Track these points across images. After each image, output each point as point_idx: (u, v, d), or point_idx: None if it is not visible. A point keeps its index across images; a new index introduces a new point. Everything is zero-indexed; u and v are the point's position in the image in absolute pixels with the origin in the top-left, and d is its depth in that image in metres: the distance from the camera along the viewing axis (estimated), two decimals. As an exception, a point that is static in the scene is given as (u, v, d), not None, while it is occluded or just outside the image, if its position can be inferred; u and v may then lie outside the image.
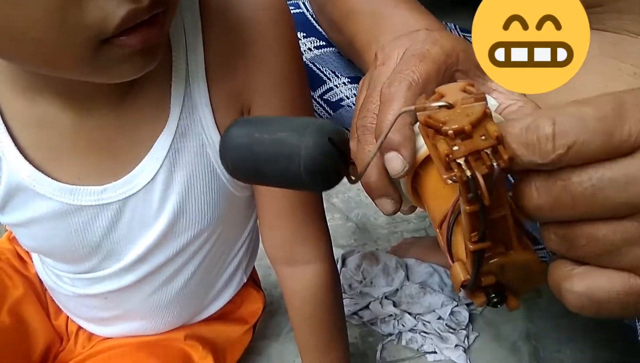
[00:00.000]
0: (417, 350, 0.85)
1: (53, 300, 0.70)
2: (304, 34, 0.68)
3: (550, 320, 0.90)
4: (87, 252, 0.56)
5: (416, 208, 0.37)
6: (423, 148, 0.30)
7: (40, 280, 0.69)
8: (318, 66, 0.68)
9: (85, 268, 0.59)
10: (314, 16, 0.68)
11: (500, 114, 0.34)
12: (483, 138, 0.23)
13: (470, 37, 0.85)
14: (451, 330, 0.87)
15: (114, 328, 0.68)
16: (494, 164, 0.23)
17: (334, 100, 0.69)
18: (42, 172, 0.49)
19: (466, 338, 0.86)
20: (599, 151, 0.22)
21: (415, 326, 0.88)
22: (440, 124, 0.25)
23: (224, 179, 0.55)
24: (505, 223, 0.25)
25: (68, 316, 0.70)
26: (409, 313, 0.89)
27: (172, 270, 0.61)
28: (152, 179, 0.51)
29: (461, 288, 0.27)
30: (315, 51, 0.68)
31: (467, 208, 0.24)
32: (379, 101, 0.34)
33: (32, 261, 0.69)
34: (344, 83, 0.68)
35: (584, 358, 0.83)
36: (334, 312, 0.65)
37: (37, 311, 0.68)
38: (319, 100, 0.69)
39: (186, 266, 0.62)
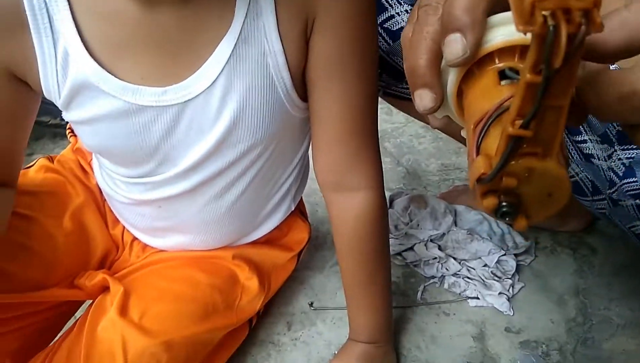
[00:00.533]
0: (459, 294, 0.85)
1: (111, 211, 0.73)
2: None
3: (602, 277, 0.87)
4: (146, 154, 0.58)
5: (447, 123, 0.33)
6: (488, 43, 0.28)
7: (100, 190, 0.72)
8: None
9: (142, 172, 0.61)
10: None
11: None
12: None
13: None
14: (496, 278, 0.85)
15: (166, 240, 0.71)
16: (583, 25, 0.20)
17: (394, 29, 0.67)
18: (107, 70, 0.51)
19: (511, 287, 0.85)
20: None
21: (459, 271, 0.87)
22: None
23: (281, 94, 0.55)
24: (557, 121, 0.22)
25: (124, 227, 0.74)
26: (454, 258, 0.88)
27: (225, 183, 0.62)
28: (212, 84, 0.52)
29: (476, 183, 0.24)
30: None
31: (530, 76, 0.21)
32: None
33: (93, 172, 0.73)
34: (405, 11, 0.66)
35: (633, 317, 0.80)
36: (379, 243, 0.65)
37: (96, 219, 0.71)
38: (379, 28, 0.67)
39: (239, 181, 0.63)
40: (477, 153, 0.25)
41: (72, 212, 0.69)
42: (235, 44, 0.51)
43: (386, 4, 0.66)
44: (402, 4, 0.65)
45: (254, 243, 0.75)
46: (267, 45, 0.52)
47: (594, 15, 0.20)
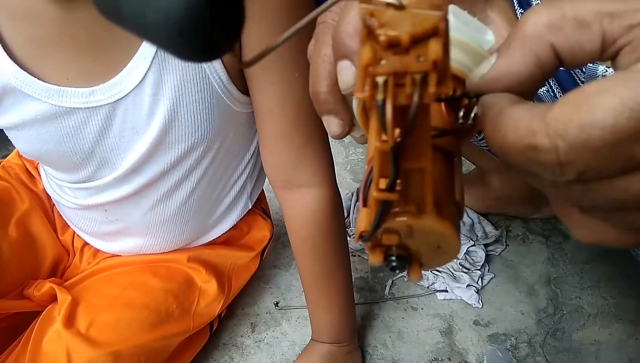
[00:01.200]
0: (427, 287, 0.83)
1: (60, 215, 0.71)
2: None
3: (575, 265, 0.85)
4: (81, 159, 0.55)
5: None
6: None
7: (47, 195, 0.70)
8: None
9: (83, 177, 0.58)
10: None
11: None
12: (421, 58, 0.18)
13: None
14: (465, 270, 0.83)
15: (117, 244, 0.69)
16: (415, 96, 0.18)
17: None
18: (29, 72, 0.48)
19: (480, 279, 0.83)
20: (618, 171, 0.18)
21: (428, 264, 0.85)
22: (379, 25, 0.19)
23: (217, 88, 0.53)
24: (422, 181, 0.21)
25: (74, 232, 0.72)
26: (423, 251, 0.86)
27: (171, 184, 0.60)
28: (140, 81, 0.49)
29: (360, 239, 0.22)
30: None
31: (378, 144, 0.19)
32: None
33: (40, 176, 0.70)
34: None
35: (605, 305, 0.78)
36: (334, 239, 0.63)
37: (44, 226, 0.69)
38: None
39: (185, 182, 0.61)
40: (364, 201, 0.23)
41: (18, 219, 0.67)
42: None
43: None
44: None
45: (211, 244, 0.73)
46: None
47: (429, 83, 0.18)
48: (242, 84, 0.55)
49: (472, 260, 0.84)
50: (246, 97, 0.56)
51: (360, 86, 0.19)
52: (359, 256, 0.88)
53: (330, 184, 0.60)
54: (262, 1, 0.49)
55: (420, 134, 0.19)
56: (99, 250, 0.71)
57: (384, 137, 0.19)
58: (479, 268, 0.83)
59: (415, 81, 0.18)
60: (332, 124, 0.28)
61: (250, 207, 0.73)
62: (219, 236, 0.72)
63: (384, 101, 0.18)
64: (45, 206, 0.71)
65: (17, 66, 0.48)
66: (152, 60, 0.49)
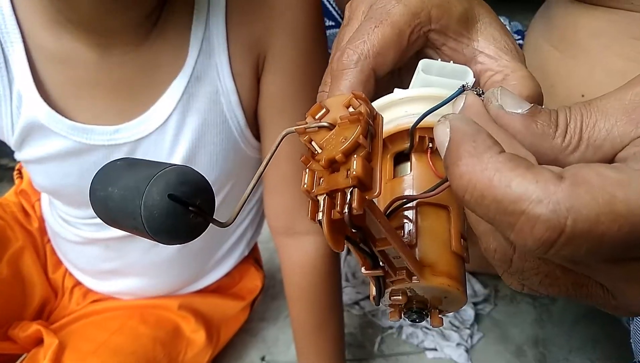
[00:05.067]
0: (417, 345, 0.82)
1: (53, 253, 0.71)
2: None
3: (562, 326, 0.86)
4: None
5: None
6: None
7: (40, 233, 0.70)
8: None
9: (93, 214, 0.59)
10: None
11: (482, 86, 0.28)
12: (348, 172, 0.20)
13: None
14: (454, 328, 0.83)
15: (111, 283, 0.68)
16: (345, 211, 0.20)
17: None
18: (58, 111, 0.50)
19: (469, 338, 0.83)
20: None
21: (417, 321, 0.85)
22: (316, 150, 0.22)
23: (235, 133, 0.55)
24: (399, 254, 0.23)
25: (66, 271, 0.71)
26: (412, 308, 0.86)
27: None
28: (164, 122, 0.51)
29: (373, 303, 0.25)
30: (326, 31, 0.67)
31: (345, 242, 0.22)
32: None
33: (36, 214, 0.70)
34: None
35: (592, 368, 0.79)
36: (330, 289, 0.64)
37: (34, 265, 0.68)
38: None
39: None
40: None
41: (10, 257, 0.66)
42: (188, 82, 0.51)
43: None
44: None
45: (203, 291, 0.73)
46: (219, 84, 0.52)
47: (354, 198, 0.20)
48: (256, 129, 0.58)
49: (462, 318, 0.84)
50: (258, 142, 0.59)
51: (312, 207, 0.22)
52: (348, 310, 0.88)
53: None
54: (279, 49, 0.52)
55: (374, 224, 0.21)
56: (89, 290, 0.70)
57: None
58: (468, 326, 0.84)
59: (345, 194, 0.20)
60: None
61: (247, 254, 0.73)
62: (211, 284, 0.72)
63: (320, 221, 0.21)
64: (37, 245, 0.71)
65: (47, 106, 0.50)
66: (177, 103, 0.51)
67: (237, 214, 0.23)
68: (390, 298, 0.25)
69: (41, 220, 0.71)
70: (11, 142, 0.54)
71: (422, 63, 0.28)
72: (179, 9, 0.49)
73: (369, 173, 0.21)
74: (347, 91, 0.26)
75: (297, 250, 0.61)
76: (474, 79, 0.28)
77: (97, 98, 0.51)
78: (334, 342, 0.66)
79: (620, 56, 0.51)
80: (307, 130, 0.23)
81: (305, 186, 0.22)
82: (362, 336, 0.85)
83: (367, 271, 0.23)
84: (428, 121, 0.24)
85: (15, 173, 0.78)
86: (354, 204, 0.20)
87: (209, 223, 0.23)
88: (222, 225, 0.23)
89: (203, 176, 0.22)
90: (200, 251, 0.67)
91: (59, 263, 0.71)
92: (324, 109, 0.23)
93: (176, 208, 0.22)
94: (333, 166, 0.21)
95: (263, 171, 0.24)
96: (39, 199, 0.72)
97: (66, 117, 0.51)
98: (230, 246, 0.70)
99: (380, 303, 0.25)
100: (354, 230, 0.21)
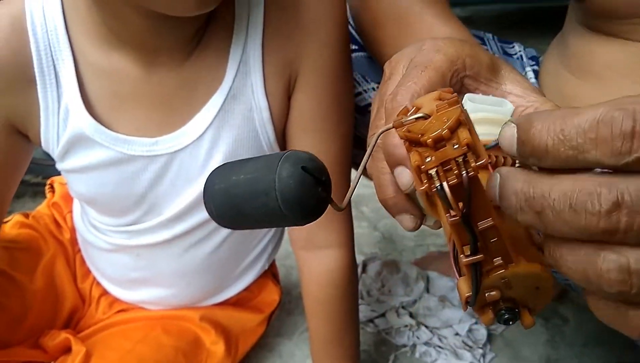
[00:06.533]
0: (430, 363, 0.84)
1: (82, 263, 0.74)
2: None
3: (574, 347, 0.87)
4: (133, 202, 0.60)
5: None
6: None
7: (71, 244, 0.73)
8: None
9: (128, 221, 0.62)
10: (349, 21, 0.71)
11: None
12: (456, 146, 0.23)
13: (510, 47, 0.83)
14: (467, 348, 0.85)
15: (138, 292, 0.71)
16: (463, 173, 0.22)
17: (362, 105, 0.70)
18: (102, 123, 0.54)
19: (482, 358, 0.84)
20: None
21: (430, 339, 0.86)
22: (420, 135, 0.24)
23: (264, 146, 0.58)
24: (498, 235, 0.24)
25: (93, 281, 0.74)
26: (425, 326, 0.88)
27: (204, 234, 0.64)
28: (200, 135, 0.55)
29: (467, 304, 0.25)
30: None
31: (450, 220, 0.23)
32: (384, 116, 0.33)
33: (67, 226, 0.74)
34: (372, 88, 0.70)
35: (604, 390, 0.79)
36: (348, 303, 0.66)
37: (65, 273, 0.72)
38: None
39: (217, 232, 0.64)
40: (459, 273, 0.27)
41: (43, 267, 0.69)
42: (225, 100, 0.54)
43: (354, 81, 0.70)
44: (369, 82, 0.69)
45: (223, 304, 0.75)
46: (253, 101, 0.55)
47: (470, 160, 0.22)
48: (283, 144, 0.61)
49: (475, 337, 0.86)
50: None
51: (419, 182, 0.24)
52: (363, 328, 0.90)
53: (349, 247, 0.64)
54: (310, 69, 0.56)
55: (479, 199, 0.23)
56: (115, 300, 0.73)
57: (452, 212, 0.23)
58: (481, 346, 0.85)
59: (459, 163, 0.22)
60: (405, 220, 0.33)
61: (266, 267, 0.76)
62: (232, 296, 0.75)
63: (441, 185, 0.23)
64: (68, 255, 0.74)
65: (92, 118, 0.53)
66: (214, 118, 0.55)
67: (349, 198, 0.26)
68: (485, 296, 0.25)
69: (72, 231, 0.74)
70: (55, 152, 0.57)
71: (468, 96, 0.32)
72: (219, 31, 0.53)
73: (476, 140, 0.23)
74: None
75: (317, 263, 0.64)
76: (514, 107, 0.32)
77: (139, 111, 0.55)
78: (350, 356, 0.68)
79: (637, 84, 0.53)
80: (405, 123, 0.25)
81: (416, 162, 0.23)
82: (376, 353, 0.86)
83: (468, 258, 0.24)
84: (484, 140, 0.27)
85: (47, 187, 0.82)
86: (472, 163, 0.22)
87: (326, 204, 0.25)
88: (338, 208, 0.25)
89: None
90: (226, 262, 0.69)
91: (87, 273, 0.74)
92: (414, 108, 0.26)
93: (309, 179, 0.23)
94: (438, 144, 0.23)
95: (365, 164, 0.27)
96: (70, 211, 0.75)
97: (109, 128, 0.54)
98: (253, 258, 0.73)
99: (467, 309, 0.26)
100: (460, 204, 0.22)
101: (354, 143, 0.75)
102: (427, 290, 0.93)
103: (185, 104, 0.54)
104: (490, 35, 0.73)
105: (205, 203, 0.27)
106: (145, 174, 0.57)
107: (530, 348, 0.87)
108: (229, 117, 0.55)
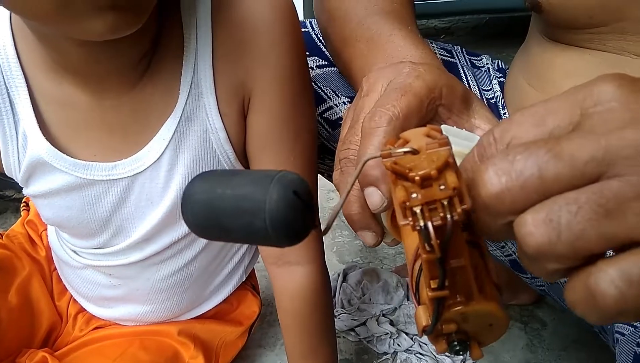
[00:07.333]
0: (411, 370, 0.84)
1: (59, 281, 0.73)
2: (307, 53, 0.71)
3: (552, 351, 0.88)
4: (99, 226, 0.60)
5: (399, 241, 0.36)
6: None
7: (48, 261, 0.73)
8: (319, 84, 0.70)
9: (97, 244, 0.63)
10: (319, 36, 0.71)
11: None
12: (442, 187, 0.24)
13: (478, 60, 0.85)
14: (447, 354, 0.85)
15: (114, 310, 0.71)
16: (448, 216, 0.23)
17: (333, 119, 0.71)
18: (60, 150, 0.54)
19: (462, 363, 0.85)
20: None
21: (411, 346, 0.87)
22: (407, 170, 0.25)
23: (225, 166, 0.59)
24: (466, 273, 0.25)
25: (70, 298, 0.74)
26: (406, 333, 0.88)
27: (176, 251, 0.64)
28: (158, 158, 0.55)
29: (423, 333, 0.26)
30: (317, 70, 0.70)
31: (425, 256, 0.24)
32: (360, 133, 0.34)
33: (43, 244, 0.74)
34: (343, 103, 0.70)
35: (582, 392, 0.80)
36: (322, 316, 0.66)
37: (42, 291, 0.71)
38: (319, 118, 0.71)
39: (190, 248, 0.65)
40: (418, 301, 0.28)
41: (18, 286, 0.69)
42: (179, 122, 0.55)
43: (325, 95, 0.70)
44: (340, 96, 0.70)
45: (202, 317, 0.75)
46: (208, 123, 0.55)
47: (455, 204, 0.23)
48: (246, 161, 0.61)
49: (454, 343, 0.86)
50: None
51: (402, 217, 0.24)
52: (344, 337, 0.90)
53: (319, 262, 0.65)
54: (263, 91, 0.56)
55: (456, 240, 0.24)
56: (93, 316, 0.73)
57: (428, 248, 0.24)
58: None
59: (444, 205, 0.23)
60: (367, 237, 0.35)
61: (244, 279, 0.76)
62: (210, 309, 0.75)
63: (426, 224, 0.23)
64: (45, 273, 0.74)
65: (49, 144, 0.54)
66: (170, 141, 0.55)
67: (331, 224, 0.26)
68: (442, 327, 0.26)
69: (48, 249, 0.74)
70: (18, 178, 0.58)
71: (444, 127, 0.33)
72: (169, 55, 0.53)
73: (462, 184, 0.24)
74: (378, 148, 0.31)
75: (288, 279, 0.64)
76: None
77: (95, 137, 0.55)
78: (326, 365, 0.69)
79: None
80: (393, 154, 0.26)
81: (402, 198, 0.24)
82: (357, 362, 0.87)
83: (434, 292, 0.24)
84: None
85: (22, 205, 0.81)
86: (458, 208, 0.23)
87: (312, 227, 0.25)
88: (322, 233, 0.26)
89: None
90: (201, 276, 0.69)
91: (64, 290, 0.74)
92: (402, 140, 0.27)
93: (299, 204, 0.24)
94: (425, 182, 0.24)
95: (349, 192, 0.28)
96: (45, 229, 0.75)
97: (68, 154, 0.55)
98: (229, 271, 0.73)
99: (424, 336, 0.27)
100: (438, 241, 0.23)
101: (330, 156, 0.75)
102: (408, 297, 0.93)
103: (140, 127, 0.55)
104: (459, 48, 0.75)
105: (182, 211, 0.27)
106: (107, 198, 0.57)
107: (509, 353, 0.88)
108: (184, 140, 0.55)
